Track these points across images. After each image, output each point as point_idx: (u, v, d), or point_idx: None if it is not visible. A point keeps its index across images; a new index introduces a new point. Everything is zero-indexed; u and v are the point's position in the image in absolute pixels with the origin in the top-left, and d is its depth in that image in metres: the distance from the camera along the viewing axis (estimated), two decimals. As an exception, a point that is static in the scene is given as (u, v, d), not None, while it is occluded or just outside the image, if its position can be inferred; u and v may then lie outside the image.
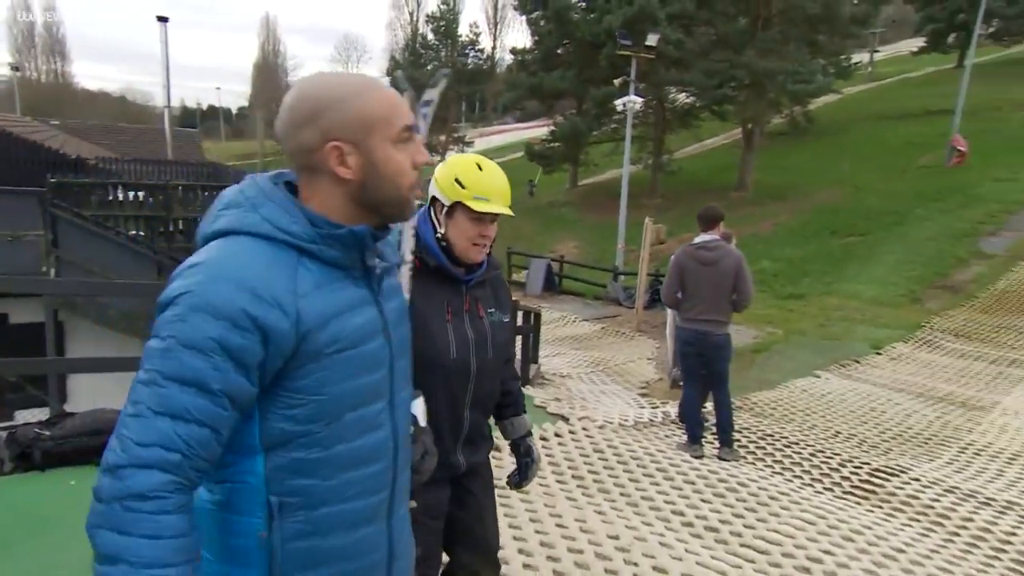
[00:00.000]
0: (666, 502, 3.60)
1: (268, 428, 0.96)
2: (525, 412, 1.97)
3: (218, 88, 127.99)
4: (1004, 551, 3.39)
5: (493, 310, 1.78)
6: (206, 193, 12.17)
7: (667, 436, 4.87)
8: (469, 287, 1.74)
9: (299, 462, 0.97)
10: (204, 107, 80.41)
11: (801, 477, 4.23)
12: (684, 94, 26.87)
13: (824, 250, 16.98)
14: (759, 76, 23.14)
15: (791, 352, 8.74)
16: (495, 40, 77.08)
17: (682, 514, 3.47)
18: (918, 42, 39.75)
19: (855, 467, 4.43)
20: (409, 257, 1.46)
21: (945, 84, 30.77)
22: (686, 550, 3.01)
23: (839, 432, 5.36)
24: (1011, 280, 13.97)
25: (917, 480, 4.29)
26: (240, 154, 54.96)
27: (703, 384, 4.54)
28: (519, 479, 1.89)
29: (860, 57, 33.60)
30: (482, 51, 43.90)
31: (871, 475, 4.30)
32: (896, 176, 23.33)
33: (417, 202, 1.68)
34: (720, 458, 4.41)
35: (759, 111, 24.45)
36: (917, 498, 3.99)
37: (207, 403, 0.89)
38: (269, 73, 69.75)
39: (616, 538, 3.00)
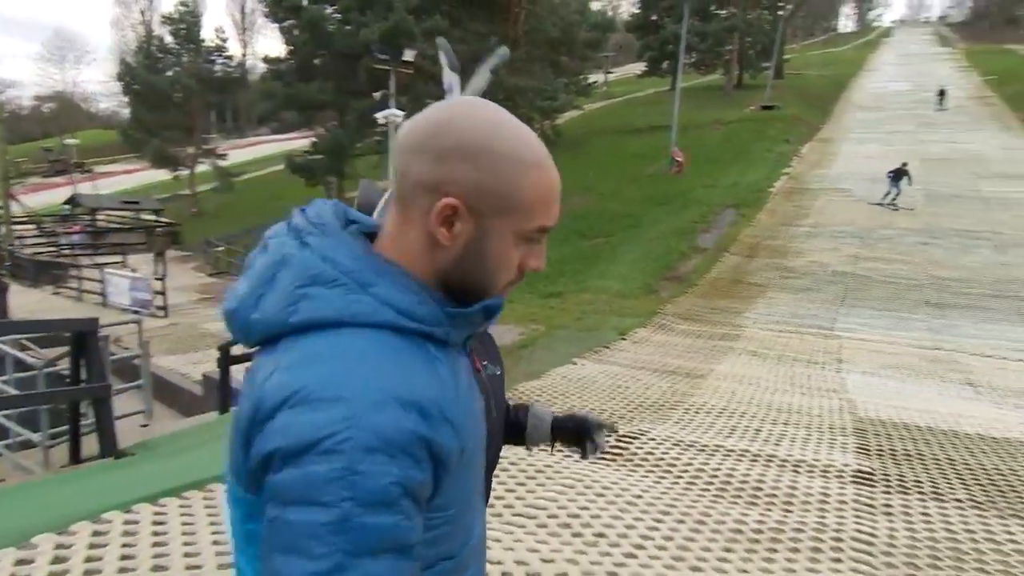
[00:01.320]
0: (516, 498, 3.86)
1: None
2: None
3: None
4: (711, 483, 4.21)
5: (487, 363, 1.48)
6: None
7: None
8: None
9: None
10: None
11: (562, 450, 4.78)
12: (444, 108, 27.91)
13: (577, 251, 18.81)
14: (511, 92, 24.89)
15: (553, 344, 9.64)
16: (245, 47, 72.49)
17: (555, 516, 3.75)
18: (641, 66, 45.76)
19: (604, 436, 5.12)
20: None
21: (663, 103, 35.80)
22: (552, 549, 3.30)
23: (593, 408, 6.11)
24: (719, 269, 16.76)
25: (653, 439, 5.08)
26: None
27: None
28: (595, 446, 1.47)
29: (596, 77, 37.65)
30: (231, 58, 41.19)
31: (618, 440, 5.00)
32: (631, 183, 26.62)
33: None
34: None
35: (512, 125, 26.37)
36: (653, 453, 4.75)
37: (407, 564, 0.68)
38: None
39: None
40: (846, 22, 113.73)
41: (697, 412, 6.12)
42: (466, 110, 0.77)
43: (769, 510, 3.86)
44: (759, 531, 3.54)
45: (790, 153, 29.06)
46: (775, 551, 3.34)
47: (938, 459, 5.09)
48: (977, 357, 10.92)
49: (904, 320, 12.99)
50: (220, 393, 6.32)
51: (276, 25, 29.31)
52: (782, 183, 24.44)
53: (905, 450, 5.29)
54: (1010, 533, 3.75)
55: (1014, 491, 4.45)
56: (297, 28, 27.65)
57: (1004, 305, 13.88)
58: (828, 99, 42.65)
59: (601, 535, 3.37)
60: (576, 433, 1.51)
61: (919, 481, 4.55)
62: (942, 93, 37.13)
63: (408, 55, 19.30)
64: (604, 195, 24.82)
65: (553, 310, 12.82)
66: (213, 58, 38.75)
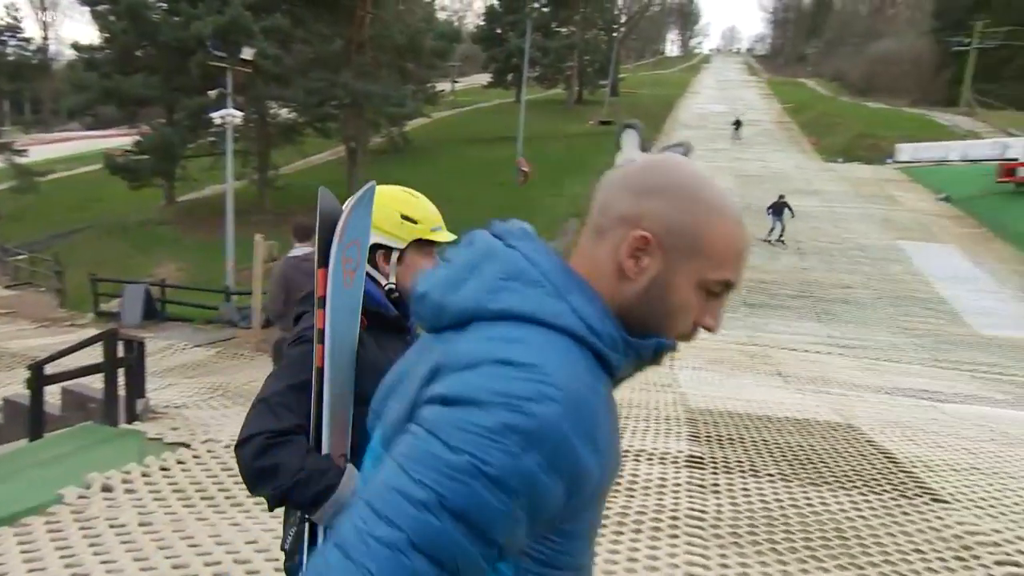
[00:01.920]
0: None
1: None
2: None
3: None
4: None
5: None
6: None
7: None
8: (411, 337, 1.53)
9: None
10: None
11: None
12: (286, 110, 26.78)
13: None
14: (357, 97, 24.41)
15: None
16: (46, 30, 64.86)
17: None
18: (487, 77, 46.82)
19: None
20: None
21: (509, 115, 36.90)
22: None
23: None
24: (565, 274, 17.58)
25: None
26: None
27: None
28: None
29: (443, 86, 37.97)
30: (28, 40, 36.59)
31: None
32: (481, 191, 27.14)
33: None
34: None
35: (359, 130, 25.79)
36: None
37: (477, 554, 0.67)
38: None
39: (255, 542, 3.06)
40: (672, 47, 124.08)
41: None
42: (678, 160, 0.82)
43: (615, 497, 4.15)
44: (606, 516, 3.80)
45: (626, 166, 31.13)
46: (621, 533, 3.61)
47: (755, 440, 5.74)
48: (785, 351, 12.38)
49: (726, 319, 14.36)
50: (30, 418, 5.62)
51: (87, 8, 26.44)
52: (619, 194, 26.13)
53: (729, 435, 5.90)
54: (808, 499, 4.33)
55: (811, 463, 5.14)
56: (114, 14, 25.13)
57: (805, 304, 15.86)
58: (659, 117, 46.20)
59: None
60: None
61: (740, 461, 5.10)
62: (738, 123, 38.98)
63: (247, 53, 18.31)
64: (458, 203, 25.02)
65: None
66: (4, 39, 34.19)
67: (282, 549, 1.44)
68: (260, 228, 13.03)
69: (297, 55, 25.07)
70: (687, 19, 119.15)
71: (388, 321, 1.45)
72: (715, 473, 4.74)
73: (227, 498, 3.75)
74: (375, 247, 1.45)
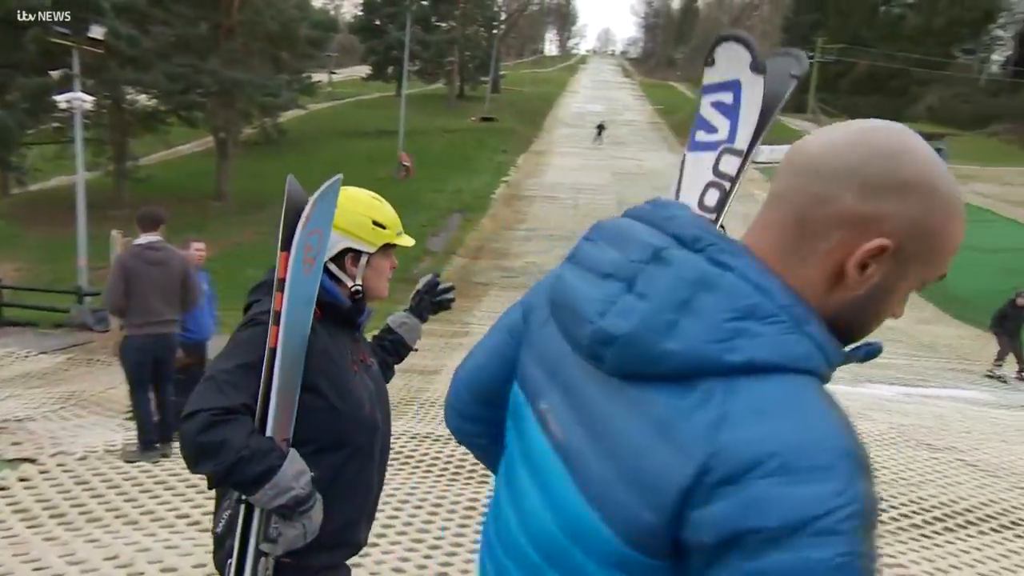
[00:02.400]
0: (168, 510, 3.54)
1: None
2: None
3: None
4: (446, 469, 4.48)
5: (372, 359, 1.62)
6: None
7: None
8: (360, 333, 1.59)
9: None
10: None
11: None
12: (145, 96, 24.82)
13: (306, 254, 18.17)
14: (227, 85, 23.07)
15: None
16: None
17: (188, 516, 3.47)
18: (366, 69, 45.74)
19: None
20: None
21: (390, 108, 36.32)
22: (194, 545, 3.06)
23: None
24: (448, 271, 17.54)
25: (400, 436, 5.21)
26: None
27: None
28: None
29: (320, 76, 36.69)
30: None
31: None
32: (362, 186, 25.92)
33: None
34: (164, 456, 4.43)
35: (230, 120, 24.38)
36: (390, 448, 4.87)
37: None
38: None
39: (116, 557, 2.84)
40: (550, 46, 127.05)
41: (432, 405, 6.40)
42: (905, 138, 0.68)
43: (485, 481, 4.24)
44: (382, 483, 3.88)
45: (508, 163, 31.59)
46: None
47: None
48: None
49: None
50: None
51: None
52: (502, 190, 26.47)
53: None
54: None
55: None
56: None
57: (675, 295, 16.80)
58: (539, 114, 47.21)
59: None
60: (434, 304, 1.88)
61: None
62: (601, 128, 37.93)
63: (96, 32, 16.75)
64: (334, 197, 24.33)
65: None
66: None
67: (214, 533, 1.41)
68: (117, 223, 12.04)
69: (158, 37, 23.26)
70: (565, 19, 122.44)
71: (341, 314, 1.48)
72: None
73: (83, 514, 3.46)
74: (345, 251, 1.49)
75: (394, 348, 1.82)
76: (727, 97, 1.08)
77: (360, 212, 1.51)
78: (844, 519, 0.56)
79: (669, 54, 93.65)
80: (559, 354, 0.78)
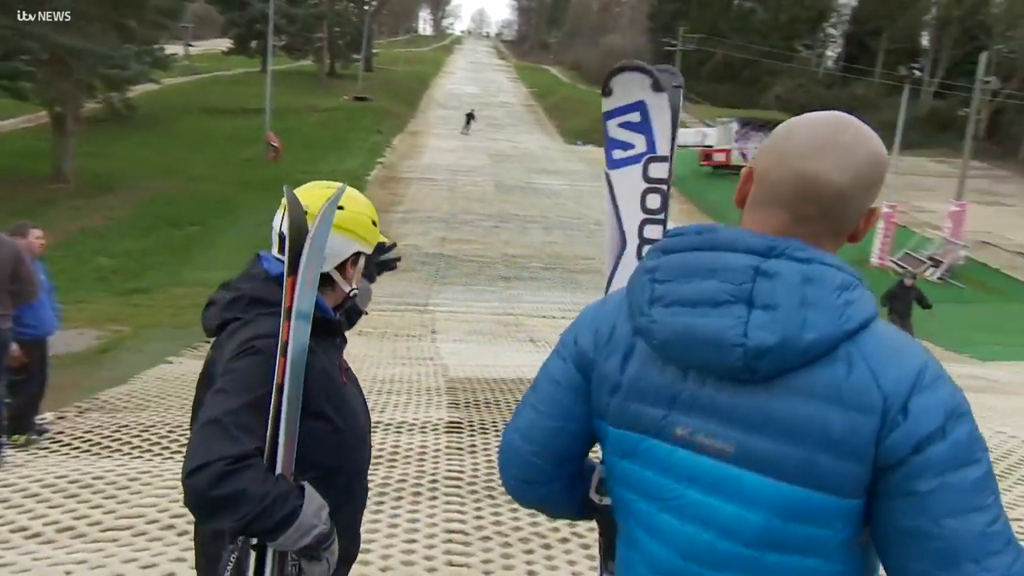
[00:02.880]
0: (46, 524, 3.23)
1: None
2: None
3: None
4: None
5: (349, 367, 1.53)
6: None
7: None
8: (341, 340, 1.49)
9: None
10: None
11: (161, 453, 4.40)
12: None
13: (165, 241, 16.92)
14: (61, 53, 20.75)
15: (142, 346, 8.59)
16: None
17: (74, 528, 3.18)
18: (227, 43, 42.81)
19: (183, 431, 4.85)
20: None
21: (255, 85, 34.31)
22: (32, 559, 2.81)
23: (172, 405, 5.68)
24: (324, 254, 17.02)
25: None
26: None
27: None
28: None
29: (176, 49, 33.95)
30: None
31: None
32: (225, 167, 24.95)
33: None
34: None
35: (66, 93, 21.94)
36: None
37: None
38: None
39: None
40: (425, 25, 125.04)
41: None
42: (876, 141, 0.91)
43: (376, 470, 4.20)
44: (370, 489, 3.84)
45: (383, 144, 30.91)
46: (382, 503, 3.68)
47: (508, 401, 6.19)
48: (536, 318, 13.41)
49: (483, 292, 15.16)
50: None
51: None
52: (377, 171, 25.89)
53: (485, 399, 6.28)
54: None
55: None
56: None
57: (553, 275, 17.29)
58: (414, 95, 46.47)
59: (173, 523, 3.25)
60: (378, 265, 1.83)
61: (495, 421, 5.47)
62: (470, 116, 36.09)
63: None
64: (195, 179, 22.77)
65: (140, 308, 11.38)
66: None
67: None
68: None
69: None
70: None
71: (330, 327, 1.40)
72: (472, 435, 5.03)
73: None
74: (355, 255, 1.44)
75: (346, 315, 1.70)
76: (634, 116, 1.21)
77: (363, 212, 1.44)
78: (963, 403, 0.81)
79: (543, 38, 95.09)
80: (670, 384, 0.89)
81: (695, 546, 0.88)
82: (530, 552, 3.25)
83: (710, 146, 30.70)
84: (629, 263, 1.20)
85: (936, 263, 20.21)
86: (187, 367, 7.35)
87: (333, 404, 1.34)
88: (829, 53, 59.45)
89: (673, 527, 0.90)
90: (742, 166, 28.42)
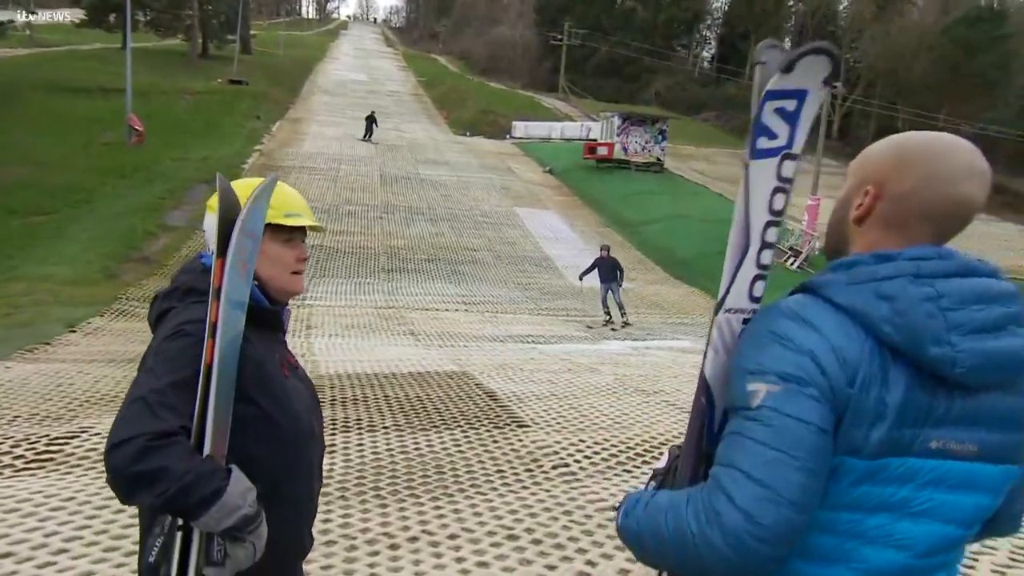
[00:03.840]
0: None
1: None
2: None
3: None
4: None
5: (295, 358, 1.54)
6: None
7: None
8: (282, 334, 1.50)
9: None
10: None
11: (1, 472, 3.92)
12: None
13: (5, 232, 15.27)
14: None
15: (-34, 349, 7.68)
16: None
17: None
18: (79, 13, 39.08)
19: (30, 444, 4.38)
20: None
21: (116, 62, 31.56)
22: None
23: (19, 415, 5.13)
24: (192, 247, 15.96)
25: (98, 434, 4.59)
26: None
27: None
28: None
29: (11, 16, 30.57)
30: None
31: (48, 445, 4.35)
32: (80, 152, 22.82)
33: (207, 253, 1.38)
34: None
35: None
36: (96, 449, 4.29)
37: None
38: None
39: None
40: (308, 8, 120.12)
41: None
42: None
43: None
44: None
45: (261, 130, 29.41)
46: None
47: (377, 397, 6.03)
48: (418, 311, 13.25)
49: (365, 285, 14.78)
50: None
51: None
52: (255, 159, 24.59)
53: (353, 396, 6.08)
54: (417, 444, 4.74)
55: (425, 411, 5.63)
56: None
57: (437, 267, 17.14)
58: (296, 80, 44.54)
59: (12, 549, 2.90)
60: None
61: (359, 419, 5.31)
62: (372, 120, 30.44)
63: None
64: (44, 165, 20.66)
65: (-34, 307, 10.19)
66: None
67: (143, 561, 1.21)
68: None
69: None
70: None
71: (265, 317, 1.41)
72: (333, 434, 4.85)
73: None
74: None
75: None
76: (791, 104, 1.12)
77: (244, 190, 1.37)
78: None
79: (432, 26, 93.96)
80: (928, 404, 0.93)
81: (933, 541, 0.95)
82: (376, 554, 3.15)
83: (594, 139, 31.53)
84: (749, 268, 1.09)
85: (796, 253, 21.83)
86: (16, 372, 6.63)
87: (268, 394, 1.35)
88: (705, 54, 62.73)
89: (910, 530, 0.94)
90: (624, 159, 29.35)
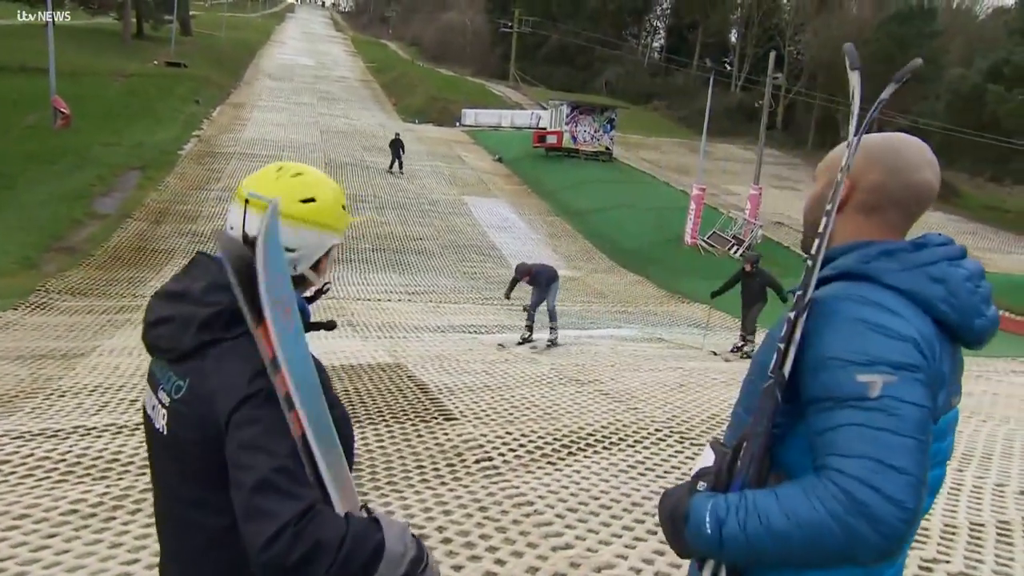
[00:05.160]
0: None
1: None
2: None
3: None
4: (56, 467, 3.82)
5: None
6: None
7: None
8: None
9: None
10: None
11: None
12: None
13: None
14: None
15: None
16: None
17: None
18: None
19: None
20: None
21: (39, 39, 29.89)
22: None
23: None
24: (122, 236, 15.30)
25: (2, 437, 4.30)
26: None
27: None
28: None
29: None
30: None
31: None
32: (9, 135, 21.61)
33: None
34: None
35: None
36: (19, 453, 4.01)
37: None
38: None
39: None
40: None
41: (63, 395, 5.46)
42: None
43: (122, 477, 3.74)
44: (100, 503, 3.38)
45: (200, 115, 28.37)
46: (114, 517, 3.25)
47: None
48: (359, 301, 12.97)
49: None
50: None
51: None
52: (192, 145, 23.73)
53: (277, 390, 5.86)
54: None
55: (351, 405, 5.45)
56: None
57: (382, 257, 16.84)
58: (239, 64, 43.13)
59: None
60: None
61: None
62: (399, 146, 23.98)
63: None
64: (-43, 148, 19.47)
65: None
66: None
67: None
68: None
69: None
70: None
71: (308, 327, 1.24)
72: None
73: None
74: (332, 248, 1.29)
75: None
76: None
77: (333, 199, 1.27)
78: None
79: (381, 11, 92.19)
80: (953, 364, 1.10)
81: (937, 485, 1.12)
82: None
83: (543, 128, 31.46)
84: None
85: (739, 242, 22.25)
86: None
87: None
88: (655, 44, 63.24)
89: (935, 477, 1.09)
90: (572, 148, 29.35)
